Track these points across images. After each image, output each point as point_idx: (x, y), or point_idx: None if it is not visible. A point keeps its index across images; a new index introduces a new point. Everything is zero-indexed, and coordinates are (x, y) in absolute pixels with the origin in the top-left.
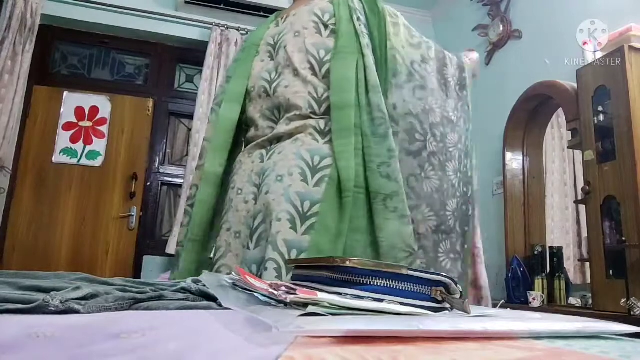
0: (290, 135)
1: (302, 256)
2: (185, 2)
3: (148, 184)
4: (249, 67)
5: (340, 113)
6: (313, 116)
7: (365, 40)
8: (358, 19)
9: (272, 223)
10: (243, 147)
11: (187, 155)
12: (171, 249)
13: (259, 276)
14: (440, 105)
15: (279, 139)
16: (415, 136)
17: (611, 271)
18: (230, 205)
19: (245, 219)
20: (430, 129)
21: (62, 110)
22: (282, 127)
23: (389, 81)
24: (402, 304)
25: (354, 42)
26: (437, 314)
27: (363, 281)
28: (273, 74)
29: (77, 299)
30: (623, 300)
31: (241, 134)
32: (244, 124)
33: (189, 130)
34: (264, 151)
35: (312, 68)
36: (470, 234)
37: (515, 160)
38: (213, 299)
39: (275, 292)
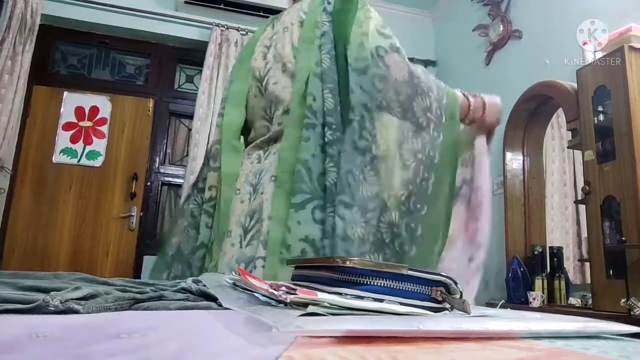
0: (281, 135)
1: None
2: (185, 2)
3: (148, 184)
4: (247, 69)
5: (294, 101)
6: None
7: (324, 29)
8: (324, 9)
9: (264, 222)
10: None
11: (187, 155)
12: None
13: None
14: (403, 102)
15: (275, 139)
16: (363, 133)
17: (611, 271)
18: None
19: (238, 218)
20: (381, 130)
21: (62, 110)
22: (275, 127)
23: (351, 65)
24: (402, 304)
25: (313, 31)
26: (437, 314)
27: (363, 281)
28: (262, 71)
29: (76, 299)
30: (623, 300)
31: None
32: (247, 127)
33: (189, 130)
34: (261, 152)
35: (291, 61)
36: (414, 255)
37: (515, 160)
38: (213, 299)
39: (275, 292)
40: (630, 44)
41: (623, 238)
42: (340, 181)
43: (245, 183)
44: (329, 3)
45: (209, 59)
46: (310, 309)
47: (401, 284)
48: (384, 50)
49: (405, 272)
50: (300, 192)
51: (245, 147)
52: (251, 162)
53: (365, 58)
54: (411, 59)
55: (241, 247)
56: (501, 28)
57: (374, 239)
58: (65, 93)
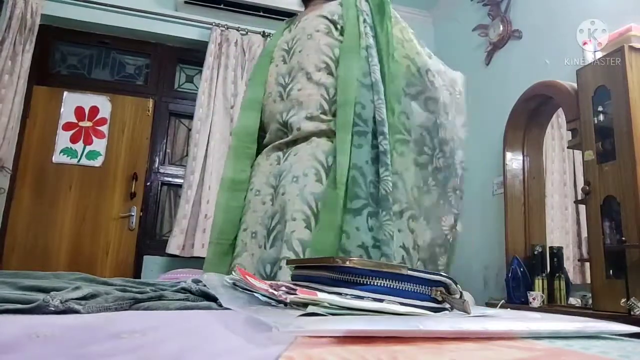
0: (305, 138)
1: (313, 255)
2: (185, 2)
3: (148, 184)
4: (265, 74)
5: (341, 110)
6: (324, 117)
7: (369, 41)
8: (364, 20)
9: (287, 223)
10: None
11: (187, 155)
12: (171, 249)
13: (274, 275)
14: (451, 121)
15: (294, 141)
16: (424, 149)
17: (611, 271)
18: (248, 206)
19: (262, 220)
20: (440, 145)
21: (62, 110)
22: (295, 131)
23: (402, 89)
24: (402, 304)
25: (357, 42)
26: (437, 314)
27: (363, 281)
28: (287, 77)
29: (77, 299)
30: (623, 300)
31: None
32: (261, 130)
33: (189, 130)
34: (280, 153)
35: (327, 67)
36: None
37: (515, 160)
38: (213, 299)
39: (275, 292)
40: (630, 44)
41: (623, 238)
42: (403, 194)
43: (265, 184)
44: (367, 15)
45: (209, 59)
46: (310, 309)
47: (401, 284)
48: (432, 74)
49: (405, 272)
50: (357, 198)
51: (257, 149)
52: (270, 164)
53: (416, 83)
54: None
55: (265, 248)
56: (501, 28)
57: (441, 242)
58: (65, 93)
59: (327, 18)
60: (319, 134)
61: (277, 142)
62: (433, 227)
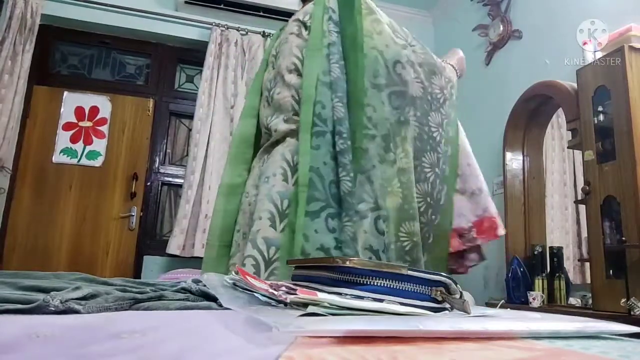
0: (282, 138)
1: (277, 253)
2: (185, 2)
3: (148, 184)
4: (261, 81)
5: (302, 110)
6: (295, 117)
7: (332, 39)
8: (329, 18)
9: (255, 222)
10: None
11: (187, 155)
12: (171, 249)
13: None
14: (420, 117)
15: (275, 143)
16: (390, 146)
17: (611, 271)
18: (240, 207)
19: (249, 220)
20: (402, 144)
21: (62, 110)
22: (274, 133)
23: (370, 81)
24: (402, 304)
25: (320, 41)
26: (437, 314)
27: (363, 281)
28: (272, 83)
29: (77, 299)
30: (623, 300)
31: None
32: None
33: (189, 130)
34: (266, 155)
35: (296, 68)
36: (425, 263)
37: (515, 160)
38: (213, 299)
39: (275, 292)
40: (630, 44)
41: (623, 238)
42: (369, 193)
43: (252, 186)
44: (334, 12)
45: (209, 59)
46: (310, 309)
47: (401, 284)
48: (402, 66)
49: (405, 272)
50: (314, 200)
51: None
52: (258, 167)
53: (382, 75)
54: None
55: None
56: (501, 28)
57: (395, 247)
58: (66, 93)
59: (299, 20)
60: (291, 134)
61: (264, 145)
62: (405, 229)
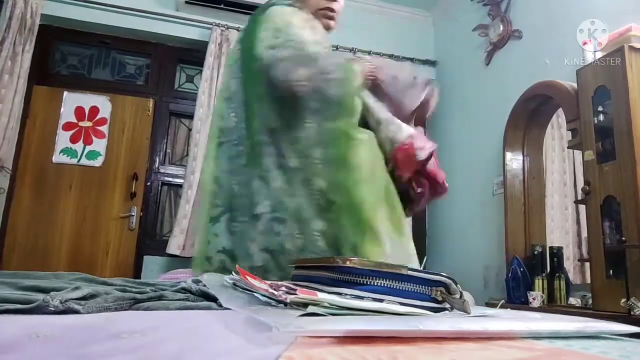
0: None
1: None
2: (186, 2)
3: (148, 184)
4: None
5: (211, 121)
6: None
7: (235, 56)
8: (240, 37)
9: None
10: None
11: (187, 155)
12: (171, 249)
13: None
14: (310, 117)
15: None
16: (282, 148)
17: (611, 271)
18: None
19: None
20: (294, 144)
21: (62, 110)
22: None
23: (257, 90)
24: (402, 304)
25: (232, 58)
26: (437, 314)
27: (363, 281)
28: None
29: (76, 299)
30: (623, 300)
31: None
32: None
33: (189, 130)
34: None
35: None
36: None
37: (515, 160)
38: (213, 299)
39: (275, 292)
40: (630, 44)
41: (623, 238)
42: (265, 195)
43: None
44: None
45: (209, 59)
46: (310, 309)
47: (401, 284)
48: (268, 66)
49: (405, 272)
50: (215, 207)
51: None
52: None
53: (265, 82)
54: (411, 59)
55: None
56: (501, 28)
57: (291, 247)
58: (65, 93)
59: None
60: None
61: None
62: (303, 230)
